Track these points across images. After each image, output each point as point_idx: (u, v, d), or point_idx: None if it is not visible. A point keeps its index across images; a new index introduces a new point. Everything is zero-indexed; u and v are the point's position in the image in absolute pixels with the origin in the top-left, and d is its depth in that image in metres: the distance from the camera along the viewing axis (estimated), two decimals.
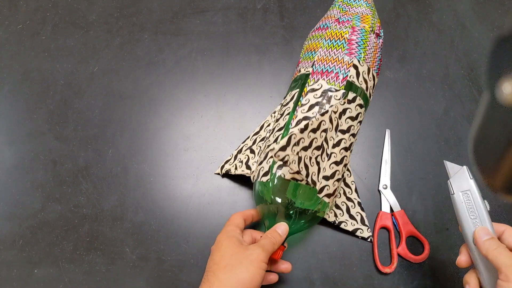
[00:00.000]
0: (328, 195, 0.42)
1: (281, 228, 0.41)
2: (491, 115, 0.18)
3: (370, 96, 0.47)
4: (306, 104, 0.44)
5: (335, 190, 0.43)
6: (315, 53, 0.48)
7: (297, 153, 0.39)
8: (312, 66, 0.47)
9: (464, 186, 0.39)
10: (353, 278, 0.47)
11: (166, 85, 0.56)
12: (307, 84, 0.46)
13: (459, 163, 0.54)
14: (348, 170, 0.50)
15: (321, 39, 0.48)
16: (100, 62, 0.57)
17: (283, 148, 0.37)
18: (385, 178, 0.52)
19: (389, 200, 0.50)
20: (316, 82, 0.45)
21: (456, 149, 0.54)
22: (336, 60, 0.46)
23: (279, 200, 0.42)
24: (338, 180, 0.44)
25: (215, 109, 0.55)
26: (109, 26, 0.60)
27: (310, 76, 0.46)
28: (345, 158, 0.45)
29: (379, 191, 0.51)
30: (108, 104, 0.55)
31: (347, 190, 0.50)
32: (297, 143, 0.38)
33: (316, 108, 0.44)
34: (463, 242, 0.41)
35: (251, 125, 0.54)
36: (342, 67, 0.45)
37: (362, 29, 0.47)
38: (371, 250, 0.48)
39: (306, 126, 0.39)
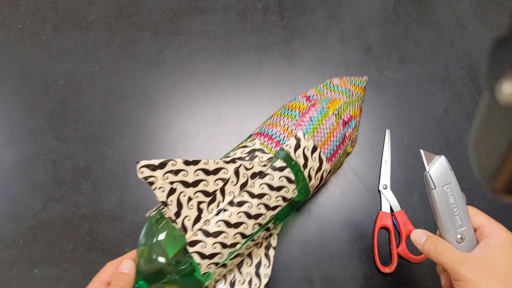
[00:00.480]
0: (202, 255, 0.35)
1: (126, 266, 0.35)
2: (491, 115, 0.18)
3: (310, 179, 0.41)
4: (231, 157, 0.40)
5: (214, 255, 0.36)
6: (270, 118, 0.46)
7: (170, 183, 0.35)
8: (259, 129, 0.44)
9: (444, 180, 0.37)
10: (353, 278, 0.47)
11: (166, 85, 0.56)
12: (244, 141, 0.43)
13: (459, 163, 0.54)
14: (268, 258, 0.41)
15: (282, 108, 0.46)
16: (100, 62, 0.57)
17: (152, 168, 0.34)
18: (385, 178, 0.52)
19: (389, 200, 0.50)
20: (252, 140, 0.42)
21: (456, 149, 0.54)
22: (281, 127, 0.42)
23: (152, 242, 0.36)
24: (224, 246, 0.36)
25: (215, 109, 0.55)
26: (109, 26, 0.60)
27: (252, 136, 0.43)
28: (245, 226, 0.37)
29: (379, 191, 0.51)
30: (108, 104, 0.55)
31: (255, 280, 0.40)
32: (175, 173, 0.35)
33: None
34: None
35: (251, 125, 0.54)
36: (283, 134, 0.41)
37: (323, 108, 0.43)
38: (371, 250, 0.48)
39: (195, 162, 0.35)
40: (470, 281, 0.30)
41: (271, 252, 0.41)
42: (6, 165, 0.51)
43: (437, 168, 0.37)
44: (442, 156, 0.37)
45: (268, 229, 0.40)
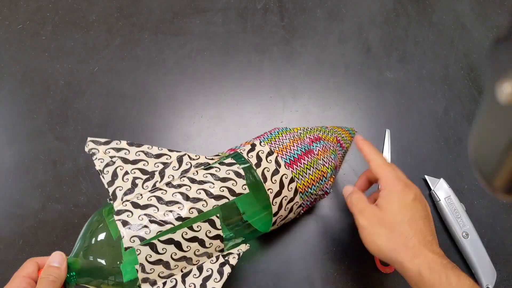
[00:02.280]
0: (125, 223, 0.34)
1: (56, 259, 0.33)
2: (491, 115, 0.18)
3: (266, 180, 0.39)
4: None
5: (139, 226, 0.34)
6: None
7: (110, 157, 0.37)
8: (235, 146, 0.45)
9: (445, 194, 0.49)
10: (353, 278, 0.47)
11: (166, 85, 0.56)
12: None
13: (459, 163, 0.54)
14: (221, 274, 0.36)
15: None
16: (100, 62, 0.57)
17: (97, 143, 0.37)
18: None
19: None
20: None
21: (456, 149, 0.54)
22: (244, 143, 0.43)
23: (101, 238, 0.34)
24: (152, 220, 0.34)
25: (215, 109, 0.55)
26: (109, 26, 0.60)
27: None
28: (180, 207, 0.35)
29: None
30: (108, 104, 0.55)
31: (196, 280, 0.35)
32: (117, 150, 0.37)
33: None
34: (461, 245, 0.48)
35: (251, 125, 0.54)
36: (242, 145, 0.42)
37: (287, 128, 0.45)
38: None
39: (139, 145, 0.38)
40: (363, 227, 0.36)
41: (226, 269, 0.36)
42: (6, 165, 0.51)
43: (439, 186, 0.50)
44: (441, 178, 0.50)
45: (213, 225, 0.36)
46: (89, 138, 0.38)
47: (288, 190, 0.40)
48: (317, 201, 0.46)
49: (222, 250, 0.38)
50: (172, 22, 0.60)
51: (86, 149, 0.37)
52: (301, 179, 0.41)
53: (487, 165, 0.19)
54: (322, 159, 0.43)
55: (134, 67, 0.57)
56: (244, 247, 0.38)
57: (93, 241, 0.35)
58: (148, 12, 0.61)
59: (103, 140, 0.38)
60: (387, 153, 0.53)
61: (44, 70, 0.56)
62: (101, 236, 0.35)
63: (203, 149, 0.52)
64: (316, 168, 0.42)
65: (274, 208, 0.39)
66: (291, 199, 0.40)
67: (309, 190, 0.42)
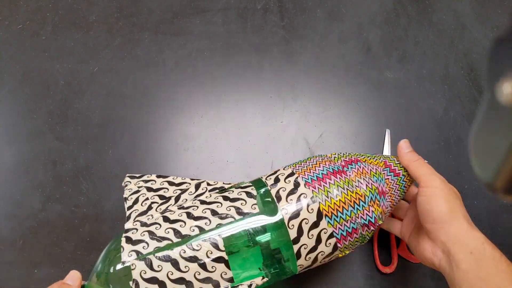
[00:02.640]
0: (128, 239, 0.34)
1: (71, 277, 0.35)
2: (491, 115, 0.18)
3: (280, 199, 0.35)
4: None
5: (138, 242, 0.34)
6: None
7: (138, 187, 0.41)
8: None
9: None
10: (353, 278, 0.47)
11: (166, 85, 0.56)
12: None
13: (459, 163, 0.54)
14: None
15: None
16: (100, 62, 0.57)
17: (132, 177, 0.43)
18: None
19: None
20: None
21: (456, 149, 0.54)
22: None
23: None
24: (152, 237, 0.34)
25: (215, 109, 0.55)
26: (109, 26, 0.59)
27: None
28: (182, 225, 0.35)
29: None
30: (108, 104, 0.55)
31: None
32: (145, 181, 0.42)
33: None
34: None
35: (251, 125, 0.54)
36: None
37: (321, 155, 0.41)
38: (371, 250, 0.48)
39: (165, 177, 0.42)
40: (438, 187, 0.36)
41: None
42: (6, 165, 0.51)
43: None
44: None
45: (216, 246, 0.33)
46: (127, 175, 0.44)
47: (309, 212, 0.34)
48: (361, 235, 0.37)
49: (231, 280, 0.34)
50: (172, 22, 0.60)
51: (123, 184, 0.43)
52: (325, 200, 0.35)
53: (487, 165, 0.19)
54: (358, 180, 0.37)
55: (134, 67, 0.57)
56: (259, 280, 0.34)
57: (111, 270, 0.34)
58: (148, 12, 0.61)
59: (138, 175, 0.44)
60: (387, 153, 0.53)
61: (44, 70, 0.56)
62: (120, 265, 0.34)
63: (203, 149, 0.52)
64: (348, 189, 0.36)
65: (292, 233, 0.34)
66: (315, 224, 0.34)
67: (340, 215, 0.35)
